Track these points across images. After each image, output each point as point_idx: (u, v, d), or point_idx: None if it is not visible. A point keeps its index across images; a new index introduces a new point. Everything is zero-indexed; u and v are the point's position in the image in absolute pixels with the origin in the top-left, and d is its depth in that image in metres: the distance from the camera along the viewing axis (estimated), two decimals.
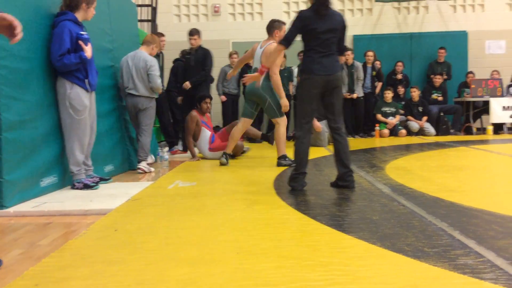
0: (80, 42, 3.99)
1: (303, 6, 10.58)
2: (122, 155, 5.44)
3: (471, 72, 10.21)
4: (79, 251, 2.40)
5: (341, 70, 3.95)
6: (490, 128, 9.65)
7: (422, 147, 7.40)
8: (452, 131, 9.61)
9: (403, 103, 9.75)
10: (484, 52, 10.78)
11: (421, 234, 2.53)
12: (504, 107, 9.46)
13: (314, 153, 6.74)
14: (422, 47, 10.40)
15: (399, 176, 4.52)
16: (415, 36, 10.61)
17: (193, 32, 7.15)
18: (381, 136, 9.35)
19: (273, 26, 5.46)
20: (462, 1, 10.66)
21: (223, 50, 9.48)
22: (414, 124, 9.45)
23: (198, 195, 3.83)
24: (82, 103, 4.06)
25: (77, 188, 4.08)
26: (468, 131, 9.75)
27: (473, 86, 9.66)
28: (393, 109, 9.52)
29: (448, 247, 2.29)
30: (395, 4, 10.62)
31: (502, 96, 9.58)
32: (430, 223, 2.76)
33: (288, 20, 10.93)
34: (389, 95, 9.52)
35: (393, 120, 9.44)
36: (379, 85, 9.75)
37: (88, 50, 4.02)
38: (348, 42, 10.46)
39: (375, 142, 8.49)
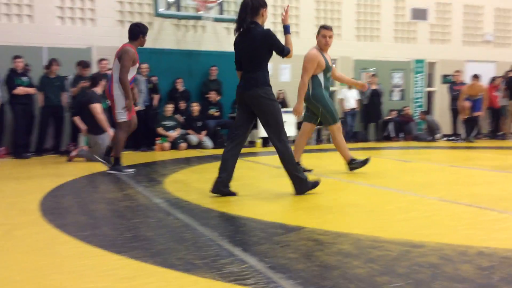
0: None
1: (79, 13, 10.02)
2: None
3: None
4: None
5: (261, 86, 4.00)
6: (259, 141, 10.69)
7: (200, 160, 7.71)
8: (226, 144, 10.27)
9: (184, 117, 10.03)
10: None
11: (192, 246, 2.57)
12: None
13: (90, 168, 6.36)
14: (200, 65, 10.92)
15: (176, 189, 4.58)
16: (194, 54, 11.06)
17: None
18: (162, 149, 9.42)
19: None
20: (227, 24, 11.54)
21: None
22: (194, 138, 9.81)
23: None
24: None
25: None
26: None
27: None
28: (173, 123, 9.72)
29: (217, 256, 2.38)
30: (175, 21, 10.91)
31: None
32: (202, 234, 2.83)
33: (57, 26, 10.14)
34: (169, 109, 9.69)
35: (173, 134, 9.63)
36: (156, 97, 9.83)
37: None
38: None
39: (156, 155, 8.49)
